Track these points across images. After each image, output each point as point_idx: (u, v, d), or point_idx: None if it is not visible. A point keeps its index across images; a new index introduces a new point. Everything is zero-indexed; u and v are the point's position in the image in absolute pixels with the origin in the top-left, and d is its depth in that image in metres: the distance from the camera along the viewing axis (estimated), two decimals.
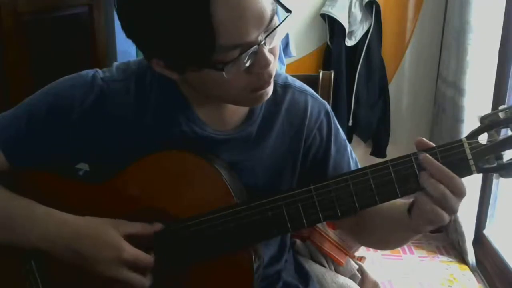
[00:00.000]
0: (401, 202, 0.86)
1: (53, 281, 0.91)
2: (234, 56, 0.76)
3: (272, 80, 0.84)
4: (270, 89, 0.85)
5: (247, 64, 0.78)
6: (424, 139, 0.81)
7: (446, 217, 0.79)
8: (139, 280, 0.85)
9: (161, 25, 0.75)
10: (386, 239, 0.96)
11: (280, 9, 0.83)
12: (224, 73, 0.77)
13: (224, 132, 0.93)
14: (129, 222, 0.87)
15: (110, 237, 0.84)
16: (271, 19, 0.78)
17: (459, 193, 0.78)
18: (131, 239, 0.85)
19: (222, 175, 0.87)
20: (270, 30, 0.78)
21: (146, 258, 0.85)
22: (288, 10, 0.82)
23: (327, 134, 0.99)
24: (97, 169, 0.94)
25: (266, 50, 0.78)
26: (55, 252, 0.86)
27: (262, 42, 0.77)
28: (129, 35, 0.80)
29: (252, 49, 0.76)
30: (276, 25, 0.79)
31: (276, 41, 0.80)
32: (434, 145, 0.80)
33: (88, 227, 0.85)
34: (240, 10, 0.73)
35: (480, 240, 2.37)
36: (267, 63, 0.79)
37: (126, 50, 2.23)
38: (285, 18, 0.80)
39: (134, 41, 0.81)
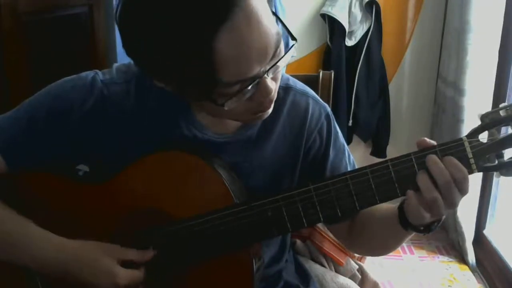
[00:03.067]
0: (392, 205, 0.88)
1: (53, 282, 0.91)
2: (236, 90, 0.75)
3: (272, 103, 0.84)
4: (271, 109, 0.85)
5: (248, 95, 0.77)
6: (426, 139, 0.81)
7: (428, 217, 0.79)
8: None
9: (162, 56, 0.74)
10: (382, 242, 0.96)
11: (279, 11, 0.82)
12: (225, 107, 0.77)
13: (224, 135, 0.93)
14: (124, 248, 0.88)
15: (105, 265, 0.86)
16: (276, 50, 0.76)
17: (463, 182, 0.77)
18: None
19: (221, 175, 0.86)
20: (274, 62, 0.77)
21: (140, 276, 0.88)
22: (294, 38, 0.81)
23: (326, 137, 0.99)
24: (97, 170, 0.94)
25: (268, 80, 0.77)
26: (48, 274, 0.87)
27: (265, 75, 0.76)
28: (129, 54, 0.79)
29: (255, 82, 0.76)
30: (281, 56, 0.77)
31: (280, 68, 0.79)
32: (435, 144, 0.80)
33: (84, 252, 0.87)
34: (243, 47, 0.72)
35: (480, 240, 2.37)
36: (268, 93, 0.78)
37: None
38: (290, 48, 0.79)
39: (134, 61, 0.80)
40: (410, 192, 0.79)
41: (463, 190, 0.78)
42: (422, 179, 0.78)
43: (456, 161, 0.78)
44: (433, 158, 0.78)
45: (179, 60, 0.73)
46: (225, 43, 0.70)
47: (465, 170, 0.77)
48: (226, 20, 0.70)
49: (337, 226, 1.00)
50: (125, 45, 0.78)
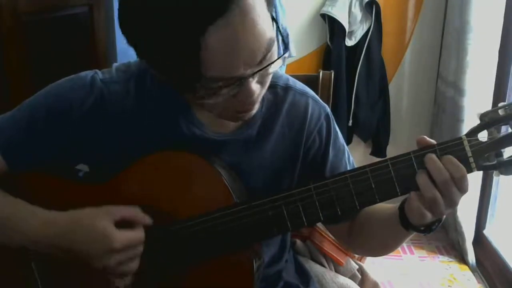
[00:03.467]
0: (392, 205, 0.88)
1: (53, 281, 0.91)
2: (218, 86, 0.75)
3: (255, 106, 0.83)
4: (253, 111, 0.84)
5: (231, 94, 0.77)
6: (426, 137, 0.81)
7: (429, 217, 0.79)
8: (131, 267, 0.85)
9: (153, 38, 0.73)
10: (382, 242, 0.96)
11: (280, 12, 0.81)
12: (205, 100, 0.77)
13: (224, 134, 0.93)
14: (115, 207, 0.85)
15: (99, 228, 0.82)
16: (266, 54, 0.75)
17: (462, 181, 0.77)
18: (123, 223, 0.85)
19: (221, 175, 0.86)
20: (262, 66, 0.76)
21: (138, 236, 0.84)
22: (286, 47, 0.81)
23: (326, 137, 0.98)
24: (97, 170, 0.94)
25: (253, 83, 0.77)
26: (41, 250, 0.85)
27: (250, 77, 0.76)
28: (122, 28, 0.78)
29: (238, 82, 0.75)
30: (270, 62, 0.76)
31: (268, 73, 0.79)
32: (435, 142, 0.80)
33: (75, 222, 0.84)
34: (233, 46, 0.71)
35: (480, 240, 2.37)
36: (250, 95, 0.78)
37: (126, 50, 2.21)
38: (280, 57, 0.78)
39: (128, 41, 0.79)
40: (412, 193, 0.79)
41: (462, 189, 0.78)
42: (422, 178, 0.78)
43: (455, 160, 0.78)
44: (432, 157, 0.78)
45: (168, 45, 0.72)
46: (216, 39, 0.70)
47: (463, 168, 0.77)
48: (221, 16, 0.69)
49: (337, 226, 1.00)
50: (120, 19, 0.77)
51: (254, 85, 0.77)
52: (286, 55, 0.80)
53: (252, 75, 0.75)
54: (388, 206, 0.90)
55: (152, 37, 0.73)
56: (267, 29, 0.74)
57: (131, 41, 0.79)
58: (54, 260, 0.86)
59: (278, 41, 0.80)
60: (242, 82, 0.75)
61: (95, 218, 0.83)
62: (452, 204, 0.79)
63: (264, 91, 0.82)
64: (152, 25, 0.72)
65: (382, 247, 0.97)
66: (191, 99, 0.84)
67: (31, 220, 0.85)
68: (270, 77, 0.82)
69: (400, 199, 0.84)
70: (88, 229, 0.83)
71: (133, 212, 0.86)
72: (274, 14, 0.79)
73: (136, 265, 0.85)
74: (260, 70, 0.76)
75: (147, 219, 0.86)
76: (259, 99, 0.83)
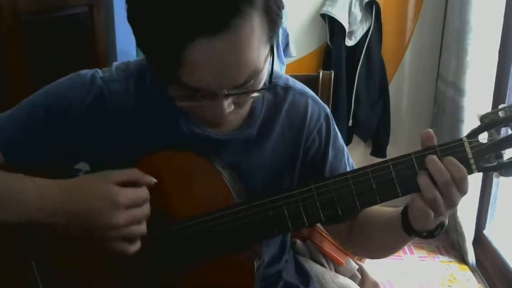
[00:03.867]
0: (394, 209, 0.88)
1: (53, 281, 0.91)
2: (190, 93, 0.76)
3: (226, 123, 0.84)
4: (229, 125, 0.86)
5: (202, 104, 0.78)
6: (431, 130, 0.81)
7: (431, 219, 0.80)
8: (139, 229, 0.81)
9: (147, 32, 0.75)
10: (382, 244, 0.96)
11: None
12: (176, 102, 0.77)
13: (224, 133, 0.93)
14: (117, 171, 0.83)
15: (102, 187, 0.80)
16: (247, 82, 0.76)
17: (463, 182, 0.77)
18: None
19: (222, 175, 0.86)
20: (241, 91, 0.77)
21: (143, 194, 0.82)
22: (270, 82, 0.81)
23: (326, 138, 0.99)
24: (98, 169, 0.93)
25: (225, 102, 0.77)
26: (46, 219, 0.79)
27: (224, 96, 0.76)
28: (129, 20, 0.79)
29: (210, 97, 0.76)
30: (248, 91, 0.77)
31: (248, 99, 0.80)
32: (435, 140, 0.80)
33: (78, 184, 0.82)
34: (214, 65, 0.72)
35: (480, 240, 2.37)
36: (219, 113, 0.78)
37: (126, 50, 2.23)
38: (259, 90, 0.79)
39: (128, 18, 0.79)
40: (415, 194, 0.80)
41: (462, 190, 0.78)
42: (423, 179, 0.79)
43: (455, 161, 0.78)
44: (433, 158, 0.79)
45: (157, 36, 0.73)
46: (199, 52, 0.71)
47: (464, 170, 0.78)
48: (213, 34, 0.70)
49: (337, 227, 1.00)
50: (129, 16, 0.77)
51: (226, 104, 0.78)
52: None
53: (226, 96, 0.76)
54: (390, 209, 0.90)
55: (146, 25, 0.74)
56: (255, 60, 0.75)
57: (132, 19, 0.78)
58: (55, 259, 0.86)
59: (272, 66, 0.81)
60: (214, 98, 0.76)
61: (96, 180, 0.82)
62: (451, 204, 0.79)
63: (242, 112, 0.83)
64: (150, 16, 0.73)
65: (382, 249, 0.97)
66: None
67: (27, 193, 0.80)
68: (249, 101, 0.82)
69: (400, 200, 0.85)
70: (91, 189, 0.80)
71: (133, 173, 0.84)
72: (275, 45, 0.79)
73: (144, 227, 0.82)
74: (235, 94, 0.77)
75: (150, 178, 0.84)
76: (232, 118, 0.83)
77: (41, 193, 0.80)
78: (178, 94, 0.78)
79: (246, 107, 0.83)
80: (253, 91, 0.79)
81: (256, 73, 0.76)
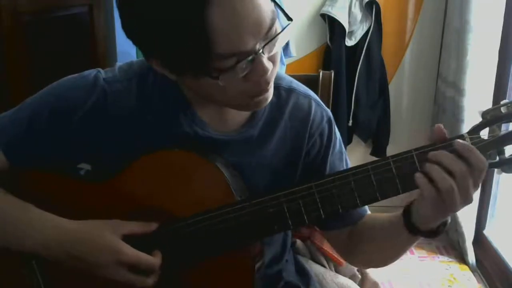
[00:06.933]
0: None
1: (54, 281, 0.91)
2: (231, 64, 0.75)
3: (270, 86, 0.83)
4: (269, 95, 0.84)
5: (245, 72, 0.76)
6: (441, 125, 0.81)
7: (436, 214, 0.81)
8: (141, 281, 0.85)
9: (158, 28, 0.74)
10: (383, 250, 0.95)
11: (281, 14, 0.82)
12: (219, 81, 0.76)
13: (226, 134, 0.93)
14: (125, 222, 0.86)
15: (108, 240, 0.83)
16: (271, 27, 0.76)
17: (481, 167, 0.76)
18: (130, 239, 0.85)
19: (223, 173, 0.86)
20: (269, 39, 0.76)
21: (148, 259, 0.85)
22: (289, 18, 0.81)
23: (327, 141, 0.98)
24: (100, 169, 0.93)
25: (264, 58, 0.77)
26: (51, 257, 0.86)
27: (260, 51, 0.76)
28: (128, 34, 0.79)
29: (250, 57, 0.75)
30: (276, 33, 0.77)
31: (276, 49, 0.79)
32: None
33: (85, 232, 0.85)
34: (236, 19, 0.72)
35: (480, 240, 2.37)
36: (264, 72, 0.77)
37: (126, 50, 2.23)
38: (286, 26, 0.79)
39: (133, 40, 0.80)
40: (426, 188, 0.77)
41: (476, 183, 0.77)
42: (435, 170, 0.77)
43: (478, 152, 0.76)
44: (443, 152, 0.78)
45: (174, 31, 0.72)
46: (217, 15, 0.71)
47: (485, 161, 0.76)
48: None
49: (337, 233, 0.99)
50: (124, 22, 0.78)
51: (266, 61, 0.77)
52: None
53: (262, 48, 0.76)
54: (391, 214, 0.89)
55: (155, 25, 0.73)
56: (266, 2, 0.75)
57: (136, 41, 0.79)
58: (58, 263, 0.86)
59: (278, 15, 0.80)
60: (254, 58, 0.75)
61: (103, 227, 0.85)
62: (467, 196, 0.77)
63: (276, 70, 0.82)
64: (153, 13, 0.73)
65: (382, 254, 0.96)
66: (208, 93, 0.83)
67: (43, 226, 0.86)
68: (279, 55, 0.82)
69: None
70: (95, 239, 0.84)
71: (140, 225, 0.87)
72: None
73: (151, 281, 0.86)
74: (270, 41, 0.76)
75: (153, 226, 0.87)
76: (272, 79, 0.82)
77: (46, 235, 0.85)
78: (222, 73, 0.76)
79: (277, 66, 0.82)
80: (281, 31, 0.78)
81: (274, 14, 0.76)
